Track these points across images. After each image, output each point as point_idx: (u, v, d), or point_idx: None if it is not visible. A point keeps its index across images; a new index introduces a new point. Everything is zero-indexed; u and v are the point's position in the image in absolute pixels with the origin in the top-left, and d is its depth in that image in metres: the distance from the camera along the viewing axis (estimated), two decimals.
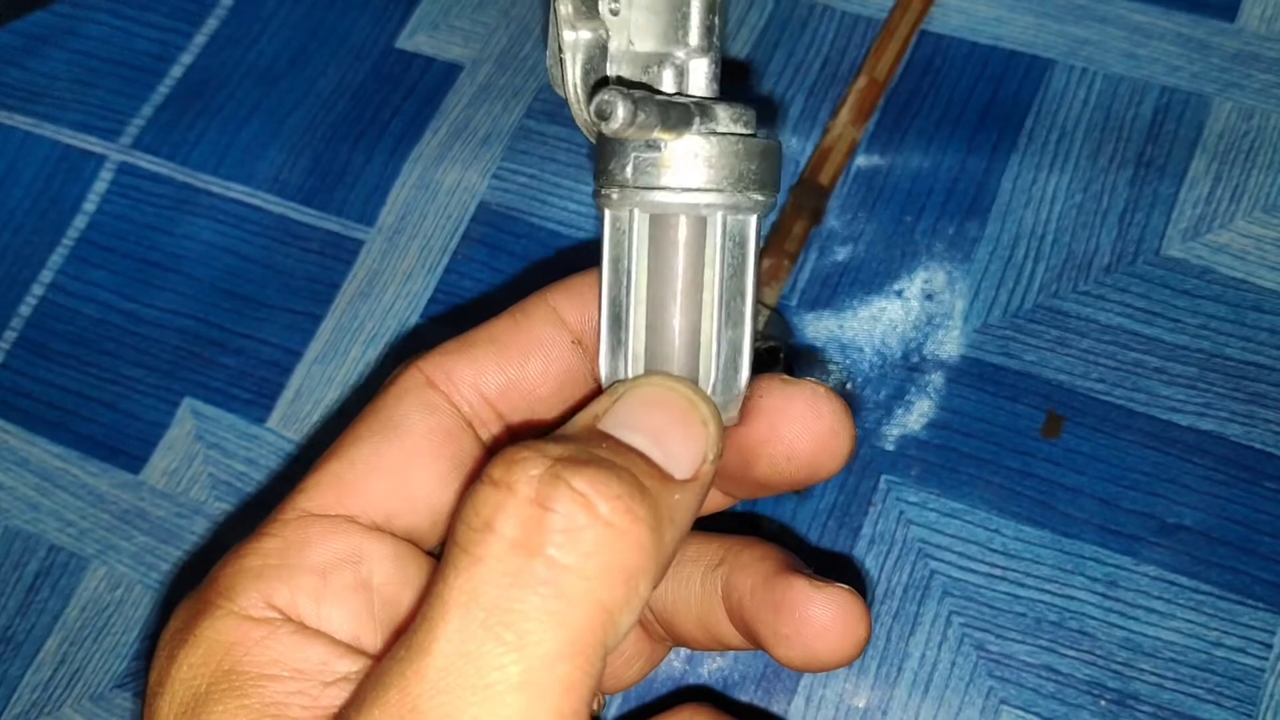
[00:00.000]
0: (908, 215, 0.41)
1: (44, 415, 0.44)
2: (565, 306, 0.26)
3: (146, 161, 0.48)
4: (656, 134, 0.23)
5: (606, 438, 0.22)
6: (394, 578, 0.24)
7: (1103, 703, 0.35)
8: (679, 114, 0.23)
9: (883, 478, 0.38)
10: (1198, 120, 0.41)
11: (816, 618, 0.26)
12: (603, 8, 0.25)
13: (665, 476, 0.22)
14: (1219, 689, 0.35)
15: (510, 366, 0.26)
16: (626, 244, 0.25)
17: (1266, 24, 0.42)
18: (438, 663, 0.19)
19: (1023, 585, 0.36)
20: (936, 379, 0.39)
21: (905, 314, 0.40)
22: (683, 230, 0.24)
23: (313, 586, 0.23)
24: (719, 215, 0.24)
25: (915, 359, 0.39)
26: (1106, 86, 0.42)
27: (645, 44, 0.25)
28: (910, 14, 0.43)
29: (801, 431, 0.25)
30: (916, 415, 0.39)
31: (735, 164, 0.24)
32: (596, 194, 0.25)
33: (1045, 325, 0.39)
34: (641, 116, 0.22)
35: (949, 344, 0.39)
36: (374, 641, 0.24)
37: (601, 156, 0.25)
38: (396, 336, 0.43)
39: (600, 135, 0.25)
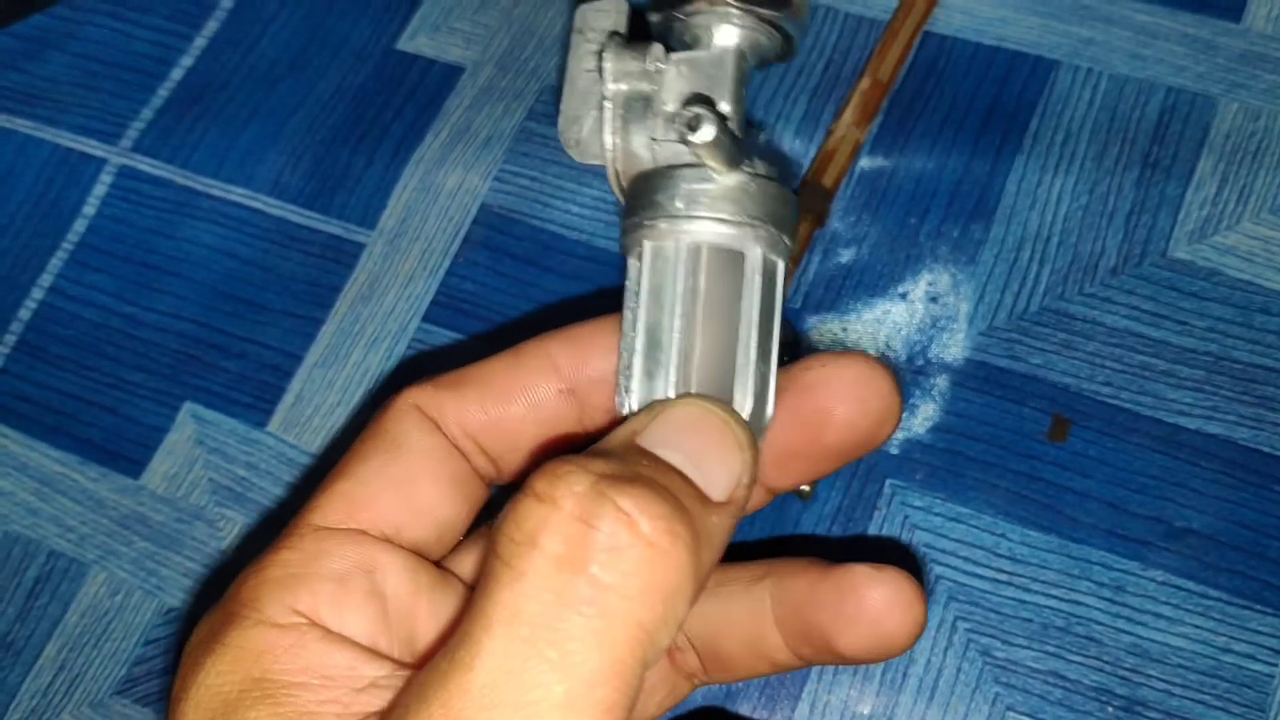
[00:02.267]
0: (912, 217, 0.41)
1: (43, 420, 0.44)
2: (561, 354, 0.27)
3: (146, 165, 0.47)
4: (719, 163, 0.25)
5: (646, 454, 0.22)
6: (406, 587, 0.25)
7: (1110, 709, 0.35)
8: (739, 148, 0.25)
9: (887, 481, 0.38)
10: (1204, 121, 0.40)
11: (880, 598, 0.27)
12: (648, 64, 0.27)
13: (703, 497, 0.22)
14: (1228, 695, 0.34)
15: (494, 408, 0.27)
16: (670, 273, 0.25)
17: (1273, 24, 0.41)
18: (481, 679, 0.19)
19: (1029, 590, 0.36)
20: (941, 382, 0.39)
21: (909, 317, 0.40)
22: (725, 263, 0.25)
23: (333, 594, 0.24)
24: (758, 252, 0.25)
25: (920, 362, 0.39)
26: (1112, 87, 0.41)
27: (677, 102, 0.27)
28: (914, 15, 0.43)
29: (862, 396, 0.26)
30: (921, 419, 0.38)
31: (775, 207, 0.25)
32: (636, 226, 0.26)
33: (1051, 328, 0.39)
34: (725, 137, 0.24)
35: (954, 347, 0.39)
36: (391, 648, 0.24)
37: (644, 191, 0.26)
38: (397, 340, 0.42)
39: (644, 174, 0.26)
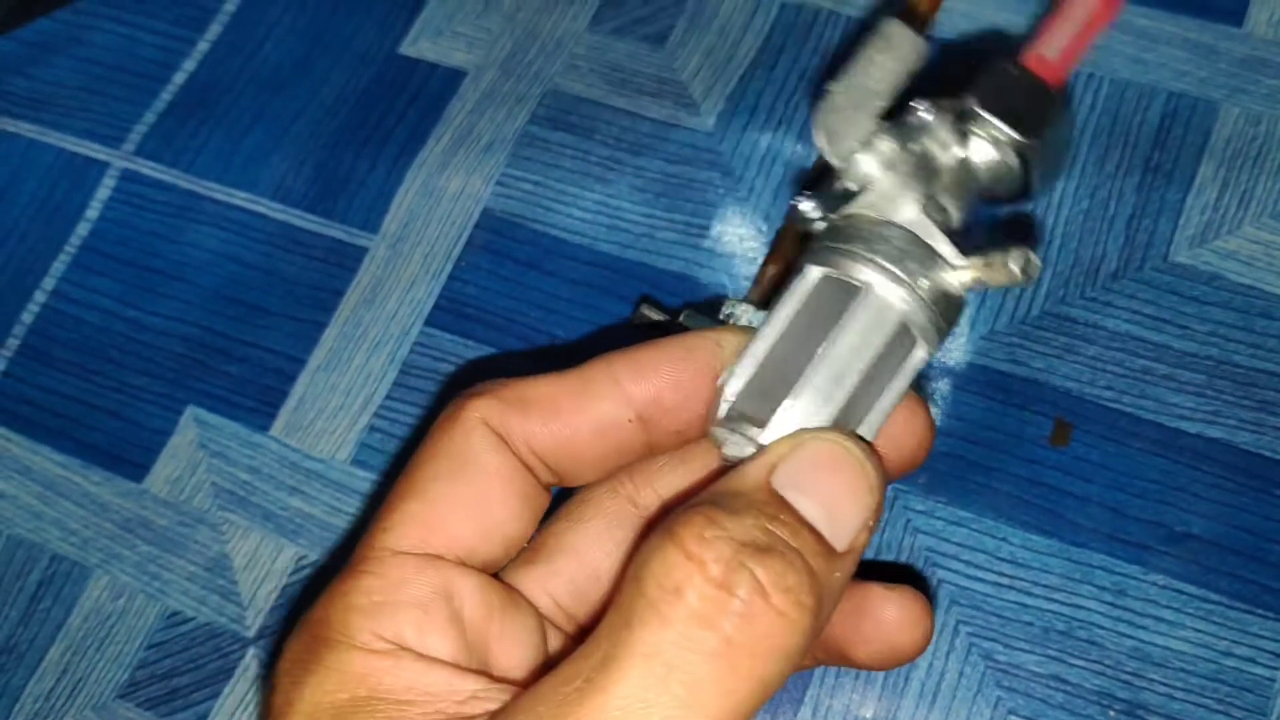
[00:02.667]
0: None
1: (47, 423, 0.44)
2: (631, 383, 0.27)
3: (150, 169, 0.47)
4: (987, 283, 0.26)
5: (784, 506, 0.24)
6: (480, 610, 0.26)
7: (1112, 713, 0.35)
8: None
9: (889, 486, 0.38)
10: (1205, 126, 0.41)
11: (893, 616, 0.29)
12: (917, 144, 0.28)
13: (830, 553, 0.24)
14: (1229, 699, 0.34)
15: (561, 431, 0.27)
16: (869, 325, 0.26)
17: (1274, 29, 0.41)
18: (616, 702, 0.21)
19: (1031, 594, 0.36)
20: (943, 386, 0.39)
21: None
22: (902, 342, 0.27)
23: (416, 620, 0.25)
24: (923, 352, 0.27)
25: None
26: (1113, 92, 0.42)
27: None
28: (916, 19, 0.43)
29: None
30: None
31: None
32: (856, 257, 0.27)
33: (1052, 332, 0.39)
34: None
35: (955, 351, 0.39)
36: (470, 667, 0.26)
37: (885, 235, 0.27)
38: (400, 344, 0.43)
39: (894, 222, 0.27)
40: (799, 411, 0.25)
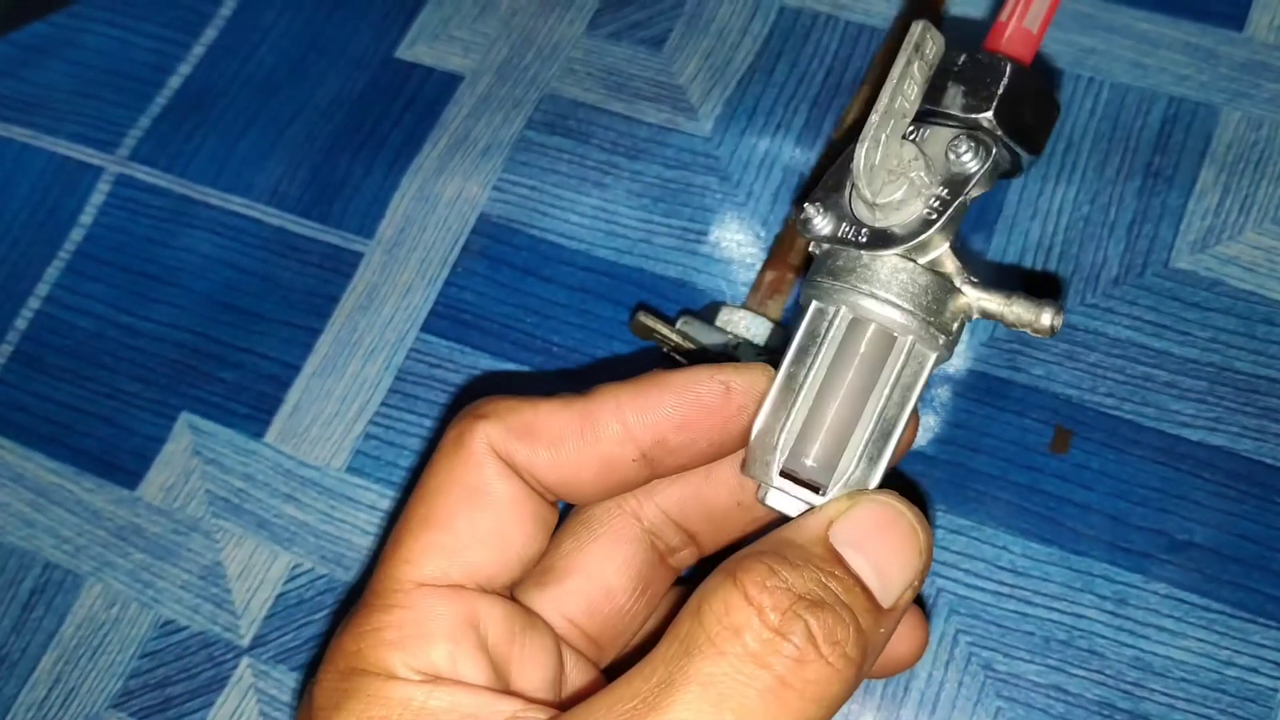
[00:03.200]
0: None
1: (39, 430, 0.44)
2: (636, 423, 0.28)
3: (144, 173, 0.47)
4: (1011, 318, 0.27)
5: (839, 562, 0.25)
6: (504, 635, 0.27)
7: None
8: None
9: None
10: (1206, 130, 0.40)
11: None
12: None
13: (878, 610, 0.25)
14: (1231, 709, 0.34)
15: (567, 466, 0.28)
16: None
17: (1275, 33, 0.41)
18: None
19: (1031, 603, 0.36)
20: (942, 393, 0.38)
21: None
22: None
23: (447, 651, 0.26)
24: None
25: None
26: (1113, 96, 0.41)
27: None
28: (930, 10, 0.43)
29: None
30: (922, 430, 0.38)
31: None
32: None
33: (1053, 339, 0.38)
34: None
35: (955, 358, 0.39)
36: (499, 688, 0.27)
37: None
38: (395, 350, 0.42)
39: (930, 272, 0.27)
40: (857, 476, 0.27)
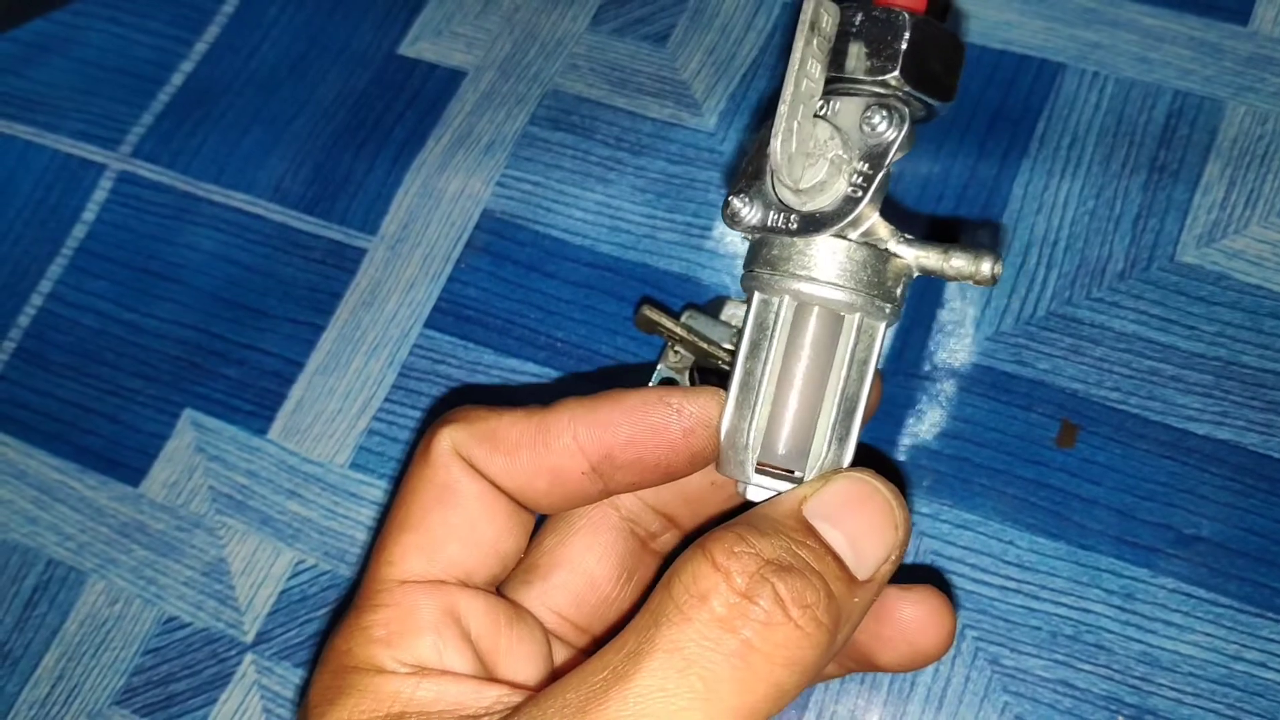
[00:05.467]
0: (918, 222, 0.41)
1: (43, 427, 0.44)
2: (586, 437, 0.28)
3: (147, 170, 0.47)
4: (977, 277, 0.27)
5: (810, 533, 0.25)
6: (488, 627, 0.28)
7: (1120, 718, 0.34)
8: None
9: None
10: (1211, 125, 0.40)
11: (911, 615, 0.30)
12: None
13: (851, 579, 0.25)
14: (1239, 704, 0.34)
15: (520, 475, 0.29)
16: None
17: None
18: (638, 689, 0.23)
19: (1038, 598, 0.36)
20: (948, 387, 0.38)
21: (916, 321, 0.39)
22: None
23: (433, 644, 0.27)
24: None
25: (927, 367, 0.39)
26: (1119, 91, 0.41)
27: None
28: None
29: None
30: (928, 425, 0.38)
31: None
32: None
33: (1059, 333, 0.38)
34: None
35: (961, 352, 0.39)
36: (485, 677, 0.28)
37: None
38: (399, 346, 0.42)
39: (879, 252, 0.27)
40: (829, 458, 0.27)
